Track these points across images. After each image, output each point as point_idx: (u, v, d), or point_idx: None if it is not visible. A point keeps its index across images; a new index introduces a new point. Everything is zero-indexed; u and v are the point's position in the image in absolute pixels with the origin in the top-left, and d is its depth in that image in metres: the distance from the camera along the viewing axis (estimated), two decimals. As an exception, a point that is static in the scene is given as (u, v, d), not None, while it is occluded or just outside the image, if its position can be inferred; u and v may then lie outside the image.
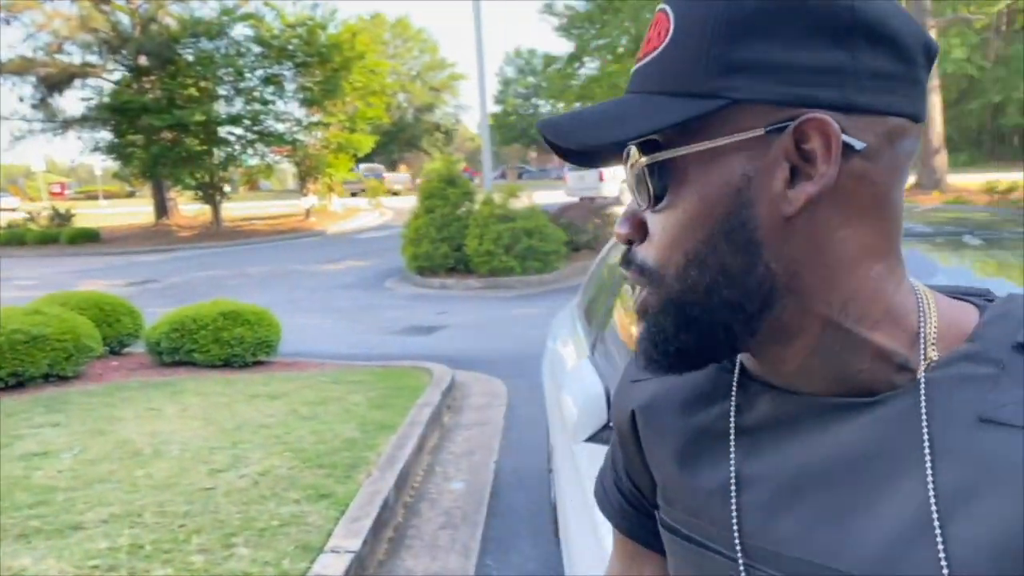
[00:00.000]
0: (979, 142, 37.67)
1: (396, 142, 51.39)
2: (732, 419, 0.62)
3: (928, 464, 0.51)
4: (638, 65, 0.59)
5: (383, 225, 25.32)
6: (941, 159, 19.58)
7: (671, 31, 0.55)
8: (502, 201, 13.43)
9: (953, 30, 26.80)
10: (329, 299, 12.41)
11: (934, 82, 19.32)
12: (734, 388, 0.64)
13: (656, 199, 0.58)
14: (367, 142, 25.17)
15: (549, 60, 24.27)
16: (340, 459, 4.34)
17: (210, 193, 23.74)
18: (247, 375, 6.70)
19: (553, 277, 13.18)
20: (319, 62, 23.21)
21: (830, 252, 0.55)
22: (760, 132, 0.53)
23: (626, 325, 2.62)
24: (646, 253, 0.60)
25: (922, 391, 0.54)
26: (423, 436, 4.96)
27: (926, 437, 0.52)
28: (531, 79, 54.49)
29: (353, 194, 33.43)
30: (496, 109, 72.97)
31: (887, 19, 0.53)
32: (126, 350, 7.73)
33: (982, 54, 34.42)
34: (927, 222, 2.40)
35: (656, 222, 0.59)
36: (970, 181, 20.00)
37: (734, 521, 0.59)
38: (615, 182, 18.91)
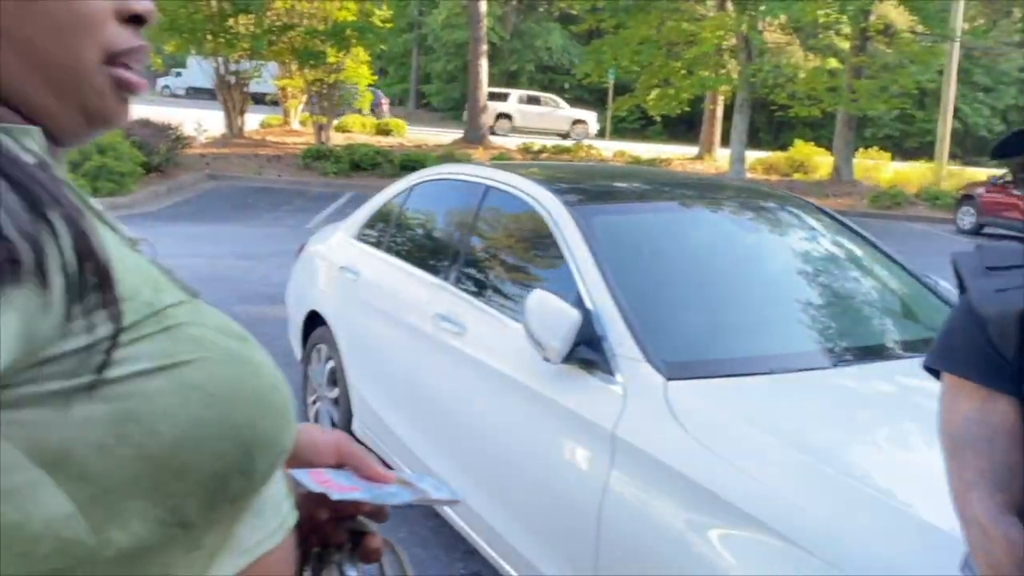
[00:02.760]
0: (496, 103, 42.83)
1: None
2: None
3: None
4: None
5: None
6: (486, 117, 22.15)
7: None
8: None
9: (489, -1, 29.91)
10: None
11: (483, 46, 21.67)
12: None
13: None
14: None
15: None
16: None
17: None
18: None
19: (128, 200, 12.02)
20: None
21: None
22: None
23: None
24: None
25: None
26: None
27: None
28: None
29: None
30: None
31: None
32: None
33: (503, 26, 39.14)
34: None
35: None
36: (497, 140, 22.97)
37: None
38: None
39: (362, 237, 3.77)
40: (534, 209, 2.72)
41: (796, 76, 18.89)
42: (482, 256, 2.95)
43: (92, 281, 0.51)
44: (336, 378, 3.66)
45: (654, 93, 19.64)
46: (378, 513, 0.80)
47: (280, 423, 0.61)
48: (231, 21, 18.49)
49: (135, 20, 0.61)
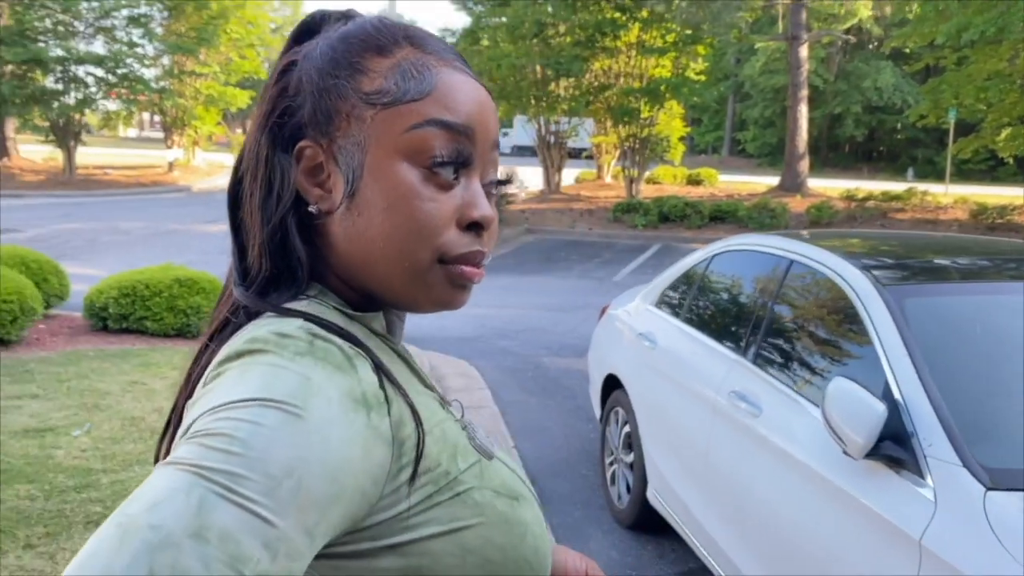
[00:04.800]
0: (817, 149, 40.85)
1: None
2: None
3: None
4: None
5: (255, 185, 24.11)
6: (804, 164, 21.19)
7: None
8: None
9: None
10: (228, 265, 11.78)
11: (803, 92, 20.83)
12: None
13: None
14: (242, 97, 23.94)
15: (442, 34, 23.95)
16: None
17: (63, 136, 21.77)
18: (209, 347, 6.39)
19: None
20: (195, 8, 21.84)
21: None
22: None
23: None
24: None
25: None
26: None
27: None
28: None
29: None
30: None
31: None
32: (51, 312, 7.13)
33: (827, 67, 37.36)
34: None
35: None
36: (817, 186, 21.78)
37: None
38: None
39: (660, 305, 3.82)
40: (840, 287, 2.59)
41: None
42: (782, 334, 2.85)
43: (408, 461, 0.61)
44: (631, 443, 3.72)
45: (1005, 133, 17.44)
46: None
47: None
48: (553, 85, 19.78)
49: (475, 226, 0.68)
